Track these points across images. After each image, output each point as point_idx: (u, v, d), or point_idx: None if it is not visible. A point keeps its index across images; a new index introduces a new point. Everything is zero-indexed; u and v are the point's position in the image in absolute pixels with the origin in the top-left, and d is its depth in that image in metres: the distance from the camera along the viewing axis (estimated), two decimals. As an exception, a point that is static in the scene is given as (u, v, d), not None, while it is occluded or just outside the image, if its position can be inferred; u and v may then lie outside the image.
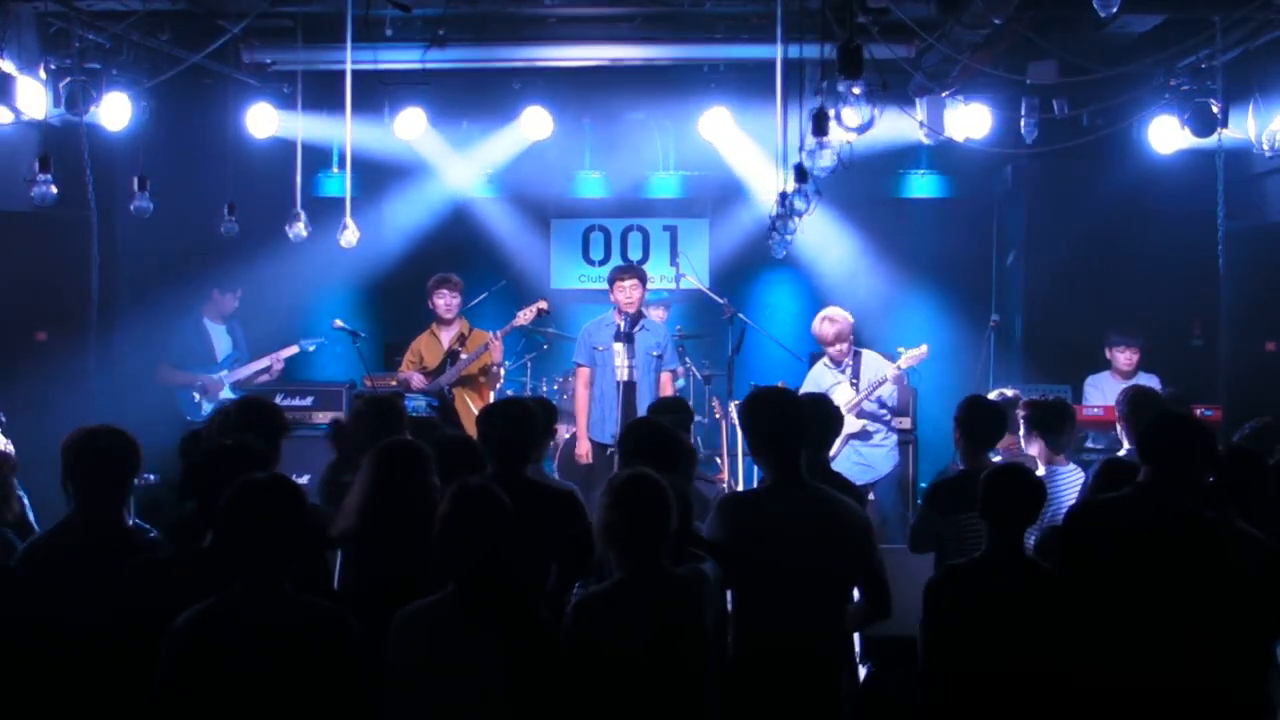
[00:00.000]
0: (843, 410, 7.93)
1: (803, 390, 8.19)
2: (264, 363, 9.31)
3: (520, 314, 8.93)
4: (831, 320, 8.16)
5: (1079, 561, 4.00)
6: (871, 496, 7.83)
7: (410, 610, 3.58)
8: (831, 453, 8.01)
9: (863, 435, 8.03)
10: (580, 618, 3.65)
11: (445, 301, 8.98)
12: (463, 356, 8.83)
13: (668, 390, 8.41)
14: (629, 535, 3.68)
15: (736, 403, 8.98)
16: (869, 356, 8.15)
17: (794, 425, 4.32)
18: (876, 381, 7.97)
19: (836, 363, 8.15)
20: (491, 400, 8.82)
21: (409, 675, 3.52)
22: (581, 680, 3.58)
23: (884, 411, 8.07)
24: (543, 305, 9.00)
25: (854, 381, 8.04)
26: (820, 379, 8.19)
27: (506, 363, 9.81)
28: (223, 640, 3.36)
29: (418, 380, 8.80)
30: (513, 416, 4.92)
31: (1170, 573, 3.85)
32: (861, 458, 8.01)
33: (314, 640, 3.41)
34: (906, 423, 8.56)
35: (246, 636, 3.36)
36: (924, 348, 8.02)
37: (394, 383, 8.94)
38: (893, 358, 8.18)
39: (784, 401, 4.43)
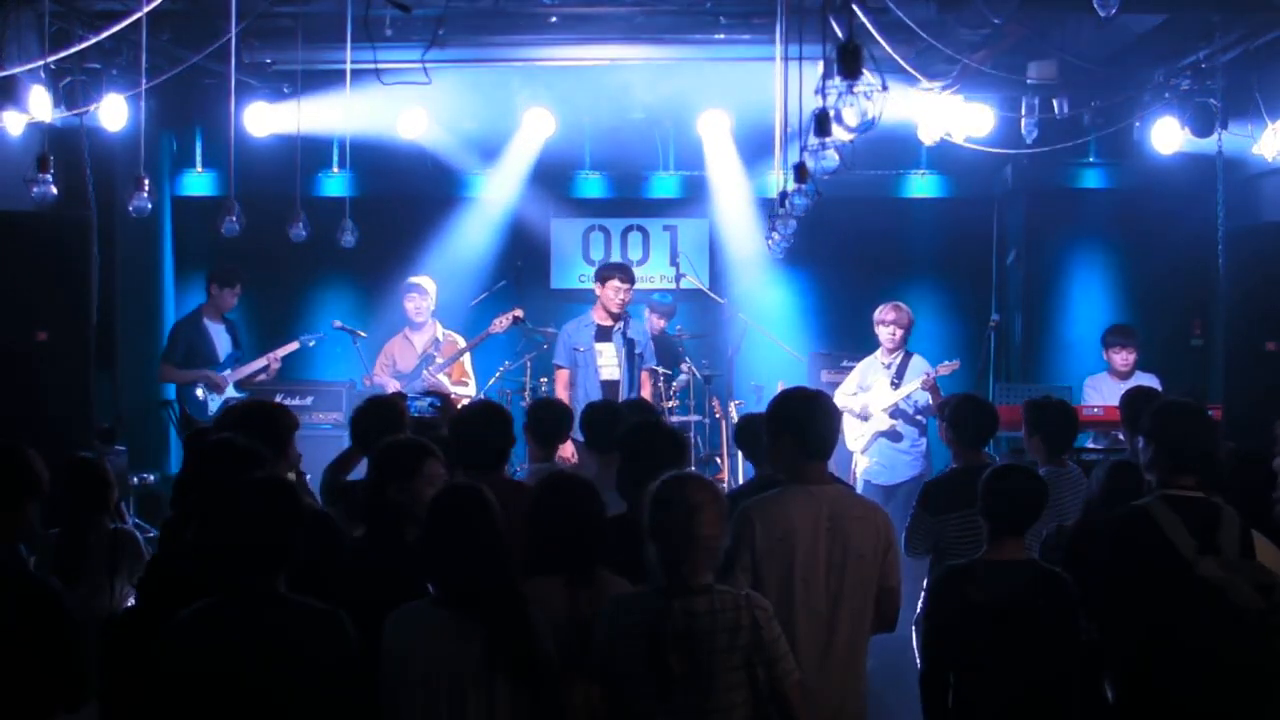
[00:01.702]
0: (878, 407, 7.97)
1: (851, 375, 8.24)
2: (261, 362, 9.29)
3: (495, 322, 8.92)
4: (898, 307, 8.28)
5: (1101, 570, 3.98)
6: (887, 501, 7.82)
7: (401, 611, 3.58)
8: (861, 448, 8.07)
9: (893, 436, 8.03)
10: (603, 617, 3.63)
11: (415, 305, 8.97)
12: (438, 361, 8.81)
13: (647, 389, 8.43)
14: (663, 540, 3.58)
15: (737, 403, 9.02)
16: (917, 361, 8.16)
17: (831, 426, 4.30)
18: (911, 384, 7.99)
19: (889, 351, 8.16)
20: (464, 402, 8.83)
21: (401, 676, 3.52)
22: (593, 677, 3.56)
23: (918, 416, 8.06)
24: (518, 313, 8.98)
25: (895, 382, 8.04)
26: (869, 370, 8.20)
27: (507, 361, 9.80)
28: (217, 641, 3.35)
29: (392, 388, 8.75)
30: (489, 419, 4.93)
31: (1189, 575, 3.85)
32: (884, 458, 8.01)
33: (308, 641, 3.40)
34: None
35: (240, 637, 3.35)
36: (957, 362, 8.05)
37: (368, 384, 8.92)
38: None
39: (821, 402, 4.37)
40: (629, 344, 8.40)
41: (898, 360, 8.15)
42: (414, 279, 9.11)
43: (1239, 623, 3.78)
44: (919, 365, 8.13)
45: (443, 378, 8.89)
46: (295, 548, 3.48)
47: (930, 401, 7.99)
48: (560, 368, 8.56)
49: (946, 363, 8.03)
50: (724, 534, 3.62)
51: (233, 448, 4.07)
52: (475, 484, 3.80)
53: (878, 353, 8.36)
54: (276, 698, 3.35)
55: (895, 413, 8.02)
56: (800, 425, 4.25)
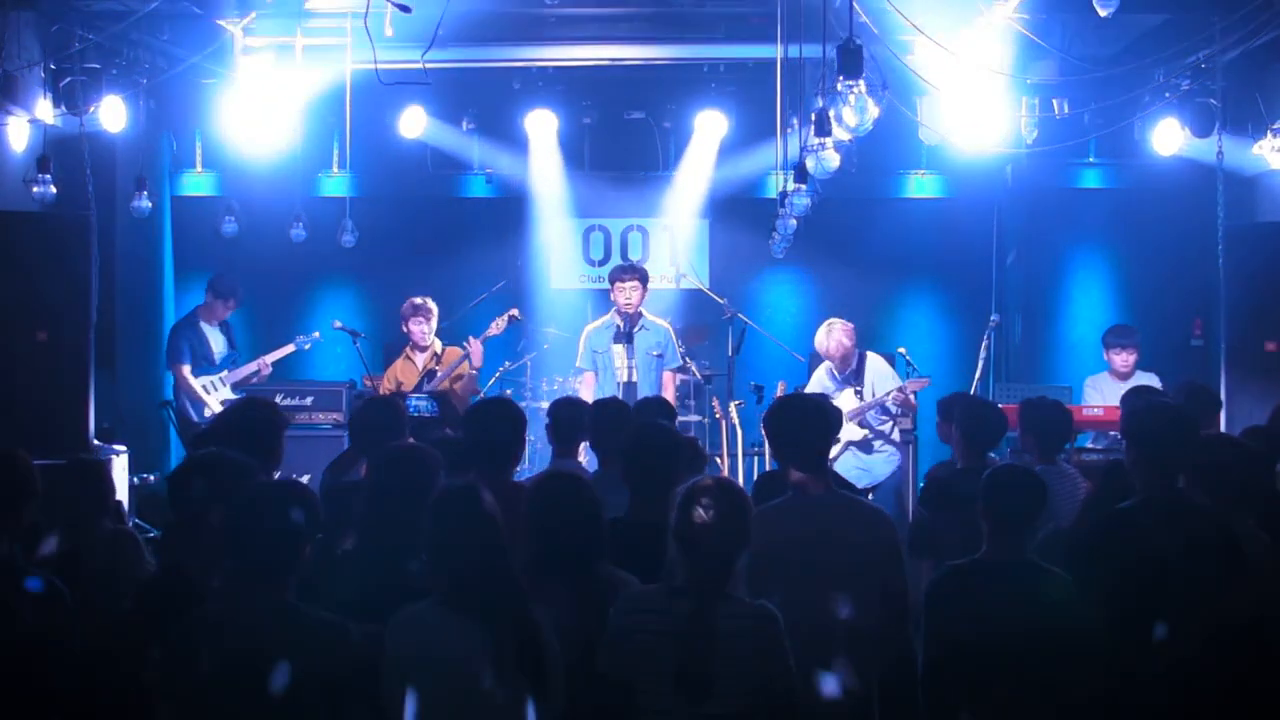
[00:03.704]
0: (845, 417, 7.93)
1: (808, 388, 8.20)
2: (252, 367, 9.25)
3: (492, 324, 8.89)
4: (830, 331, 8.08)
5: (1099, 570, 3.97)
6: (870, 496, 7.81)
7: (404, 613, 3.56)
8: (833, 454, 8.03)
9: (863, 445, 7.98)
10: (613, 614, 3.61)
11: (420, 330, 8.89)
12: (439, 374, 8.79)
13: (669, 389, 8.40)
14: (680, 542, 3.55)
15: (737, 403, 9.01)
16: (873, 360, 8.08)
17: (823, 433, 4.28)
18: (878, 400, 7.90)
19: (840, 372, 8.09)
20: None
21: (404, 677, 3.51)
22: (613, 679, 3.55)
23: (885, 420, 8.01)
24: (514, 313, 8.95)
25: (858, 390, 7.97)
26: (823, 384, 8.14)
27: (507, 361, 9.79)
28: (222, 649, 3.33)
29: None
30: (501, 417, 4.92)
31: (1185, 576, 3.84)
32: (861, 462, 7.98)
33: (313, 651, 3.37)
34: (907, 423, 8.54)
35: (246, 645, 3.32)
36: (927, 379, 7.97)
37: (368, 384, 8.90)
38: (894, 360, 8.16)
39: (813, 409, 4.35)
40: (628, 341, 8.39)
41: (854, 365, 8.07)
42: (417, 300, 9.00)
43: (1218, 627, 3.78)
44: (876, 364, 8.03)
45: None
46: (305, 554, 3.46)
47: (899, 403, 7.95)
48: (584, 371, 8.56)
49: (916, 379, 7.92)
50: (742, 542, 3.58)
51: (223, 462, 4.02)
52: (473, 484, 3.79)
53: (826, 365, 8.26)
54: (281, 707, 3.33)
55: (863, 421, 7.97)
56: (787, 437, 4.25)
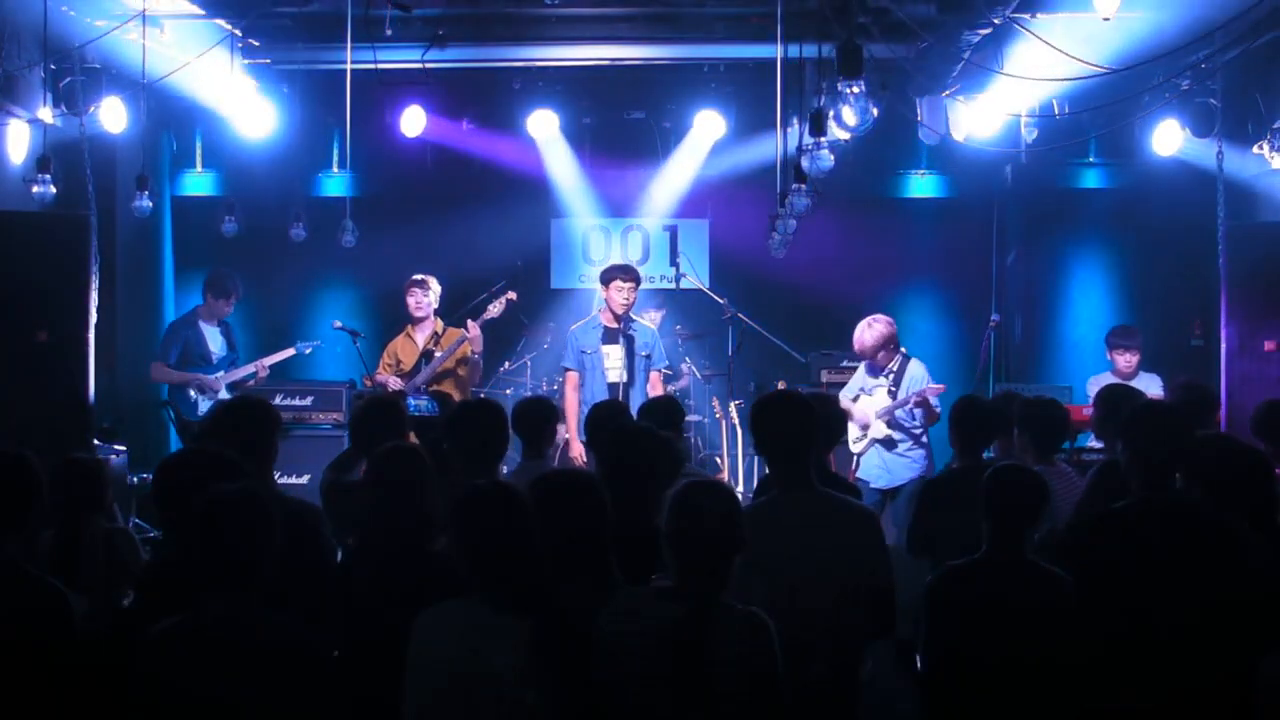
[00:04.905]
0: (874, 415, 7.88)
1: (853, 380, 8.15)
2: (250, 369, 9.23)
3: (490, 307, 8.89)
4: (870, 326, 7.94)
5: (1096, 569, 3.97)
6: (889, 500, 7.75)
7: (434, 611, 3.54)
8: (859, 451, 8.00)
9: (888, 443, 7.92)
10: (605, 617, 3.59)
11: (415, 300, 8.88)
12: (437, 355, 8.78)
13: (658, 389, 8.34)
14: (673, 546, 3.54)
15: (737, 403, 9.01)
16: (914, 366, 7.96)
17: (803, 431, 4.25)
18: (906, 399, 7.84)
19: (880, 369, 8.01)
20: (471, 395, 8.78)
21: (432, 675, 3.50)
22: (602, 682, 3.54)
23: (916, 424, 7.95)
24: (511, 295, 8.96)
25: (893, 390, 7.91)
26: (861, 381, 8.09)
27: (506, 362, 9.78)
28: (188, 660, 3.29)
29: (394, 384, 8.71)
30: (483, 418, 4.92)
31: (1182, 576, 3.85)
32: (883, 462, 7.91)
33: (280, 663, 3.33)
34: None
35: (212, 657, 3.29)
36: (943, 386, 7.92)
37: (368, 384, 8.90)
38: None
39: (792, 406, 4.33)
40: (628, 341, 8.38)
41: (895, 366, 8.03)
42: (417, 276, 9.05)
43: (1214, 627, 3.78)
44: (916, 371, 7.99)
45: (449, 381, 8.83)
46: (266, 564, 3.41)
47: (924, 415, 7.91)
48: (569, 370, 8.52)
49: (932, 385, 7.87)
50: (734, 546, 3.55)
51: (202, 458, 3.99)
52: (503, 482, 3.78)
53: (864, 365, 8.22)
54: (244, 717, 3.29)
55: (892, 421, 7.93)
56: (768, 436, 4.24)
